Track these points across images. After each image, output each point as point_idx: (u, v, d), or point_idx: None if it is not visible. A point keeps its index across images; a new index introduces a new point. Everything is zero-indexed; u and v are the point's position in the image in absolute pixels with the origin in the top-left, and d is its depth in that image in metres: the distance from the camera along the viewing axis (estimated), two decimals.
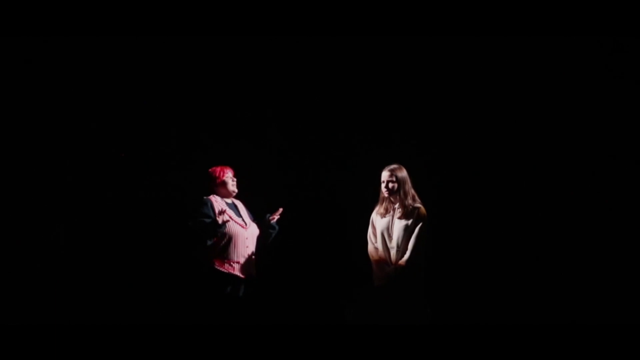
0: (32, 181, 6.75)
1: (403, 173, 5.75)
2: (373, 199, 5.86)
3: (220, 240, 5.61)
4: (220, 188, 5.80)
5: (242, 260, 5.66)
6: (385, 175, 5.75)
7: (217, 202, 5.71)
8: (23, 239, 6.69)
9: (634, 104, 6.59)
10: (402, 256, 5.65)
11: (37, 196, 6.75)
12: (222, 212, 5.59)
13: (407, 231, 5.67)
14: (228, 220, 5.60)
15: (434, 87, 6.86)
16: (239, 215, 5.78)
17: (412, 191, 5.75)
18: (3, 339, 5.67)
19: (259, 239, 5.84)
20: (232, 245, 5.64)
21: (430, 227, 5.69)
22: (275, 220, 5.88)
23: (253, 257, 5.75)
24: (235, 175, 5.87)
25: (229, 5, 6.38)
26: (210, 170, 5.85)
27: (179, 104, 6.93)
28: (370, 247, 5.81)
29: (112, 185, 6.87)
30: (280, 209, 5.90)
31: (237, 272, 5.62)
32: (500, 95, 6.79)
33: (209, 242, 5.57)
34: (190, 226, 5.58)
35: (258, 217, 5.95)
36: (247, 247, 5.72)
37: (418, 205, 5.73)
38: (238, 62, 6.90)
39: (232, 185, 5.82)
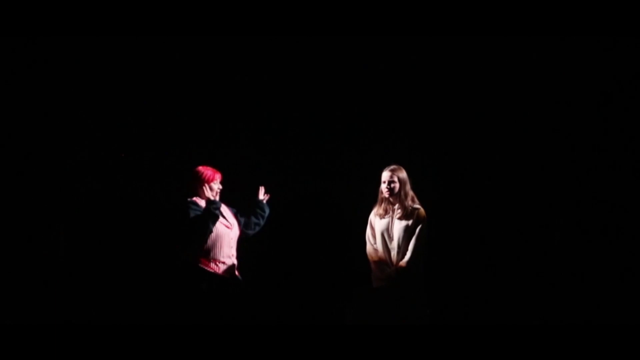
0: (29, 180, 6.76)
1: (403, 174, 5.75)
2: (371, 199, 5.86)
3: (207, 240, 5.57)
4: (204, 191, 5.60)
5: (227, 261, 5.62)
6: (386, 175, 5.74)
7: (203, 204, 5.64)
8: (19, 238, 6.70)
9: (633, 104, 6.60)
10: (403, 257, 5.65)
11: (33, 196, 6.75)
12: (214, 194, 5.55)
13: (408, 232, 5.67)
14: (217, 194, 5.56)
15: (433, 88, 6.86)
16: (223, 217, 5.69)
17: (411, 192, 5.75)
18: None
19: (240, 238, 5.79)
20: (218, 245, 5.59)
21: (429, 228, 5.70)
22: (264, 199, 5.86)
23: (236, 258, 5.72)
24: (221, 182, 5.68)
25: (226, 6, 6.38)
26: (199, 169, 5.67)
27: (176, 103, 6.93)
28: (369, 248, 5.80)
29: (110, 184, 6.87)
30: (262, 187, 5.88)
31: (222, 272, 5.58)
32: (499, 95, 6.79)
33: (211, 227, 5.48)
34: (191, 218, 5.49)
35: (242, 209, 5.88)
36: (232, 247, 5.68)
37: (417, 206, 5.73)
38: (236, 61, 6.90)
39: (216, 194, 5.63)
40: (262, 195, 5.95)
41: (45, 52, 6.69)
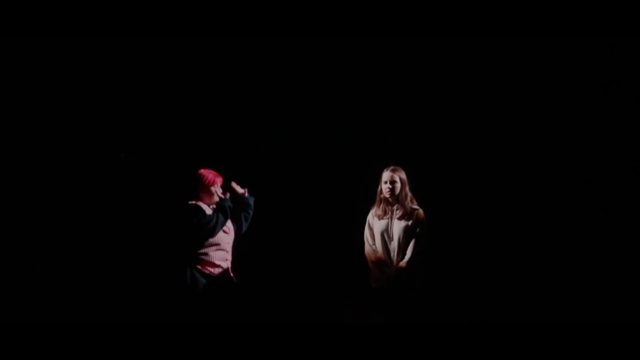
0: (29, 181, 6.77)
1: (403, 175, 5.76)
2: (368, 199, 5.86)
3: (205, 244, 5.58)
4: (205, 194, 5.63)
5: (222, 264, 5.62)
6: (387, 175, 5.75)
7: (206, 209, 5.62)
8: (19, 238, 6.71)
9: (633, 104, 6.60)
10: (403, 258, 5.66)
11: (33, 196, 6.76)
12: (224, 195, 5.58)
13: (407, 233, 5.68)
14: (227, 193, 5.62)
15: (432, 88, 6.86)
16: None
17: (410, 193, 5.76)
18: None
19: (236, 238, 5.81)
20: (215, 249, 5.59)
21: (429, 228, 5.71)
22: (244, 192, 5.80)
23: (230, 261, 5.72)
24: (222, 185, 5.68)
25: (225, 6, 6.39)
26: (201, 172, 5.66)
27: (176, 104, 6.93)
28: (367, 249, 5.81)
29: (110, 184, 6.88)
30: (233, 183, 5.79)
31: (217, 274, 5.59)
32: (498, 96, 6.79)
33: (222, 224, 5.52)
34: (203, 220, 5.50)
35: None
36: (227, 251, 5.68)
37: (417, 207, 5.74)
38: (236, 62, 6.90)
39: (216, 198, 5.63)
40: (240, 189, 5.83)
41: (45, 52, 6.69)
